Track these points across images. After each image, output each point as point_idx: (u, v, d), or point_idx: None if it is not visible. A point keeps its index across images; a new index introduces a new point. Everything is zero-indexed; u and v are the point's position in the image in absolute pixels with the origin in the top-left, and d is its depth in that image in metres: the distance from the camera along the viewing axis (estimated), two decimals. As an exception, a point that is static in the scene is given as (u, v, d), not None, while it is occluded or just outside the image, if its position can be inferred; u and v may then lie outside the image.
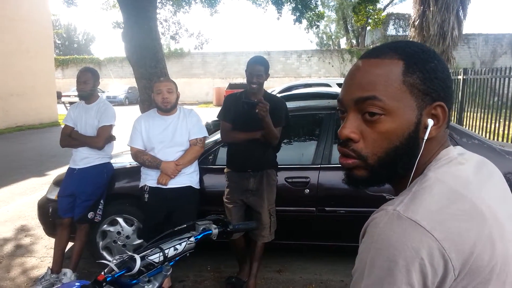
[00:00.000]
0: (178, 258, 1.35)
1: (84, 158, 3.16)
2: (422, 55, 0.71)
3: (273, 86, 15.64)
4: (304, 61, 28.19)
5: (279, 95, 4.93)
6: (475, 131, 7.74)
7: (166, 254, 1.29)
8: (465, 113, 8.48)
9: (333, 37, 34.51)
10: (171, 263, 1.33)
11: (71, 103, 16.29)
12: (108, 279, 1.18)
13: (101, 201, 3.18)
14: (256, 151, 2.88)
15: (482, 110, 7.79)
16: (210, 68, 29.45)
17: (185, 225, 1.43)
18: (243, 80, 20.19)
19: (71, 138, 3.20)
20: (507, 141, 7.05)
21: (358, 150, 0.71)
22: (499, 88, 7.19)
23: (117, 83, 28.89)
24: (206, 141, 3.24)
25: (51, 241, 3.65)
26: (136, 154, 2.98)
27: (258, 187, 2.91)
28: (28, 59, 14.37)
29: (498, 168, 0.78)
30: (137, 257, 1.22)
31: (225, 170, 3.08)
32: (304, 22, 8.86)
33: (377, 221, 0.64)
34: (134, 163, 3.19)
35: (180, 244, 1.34)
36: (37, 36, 14.89)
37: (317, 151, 3.29)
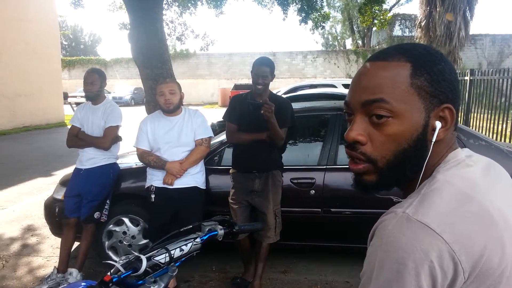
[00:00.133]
0: (184, 258, 1.35)
1: (91, 158, 3.18)
2: (429, 57, 0.71)
3: (279, 87, 15.63)
4: (309, 62, 28.15)
5: (284, 96, 4.92)
6: (482, 132, 7.68)
7: (172, 255, 1.30)
8: (472, 114, 8.42)
9: (338, 37, 34.39)
10: (177, 264, 1.33)
11: (77, 103, 16.41)
12: (114, 280, 1.18)
13: (107, 201, 3.20)
14: (262, 152, 2.88)
15: (489, 111, 7.73)
16: (215, 69, 29.52)
17: (191, 226, 1.44)
18: (248, 81, 20.25)
19: (78, 139, 3.22)
20: (514, 142, 7.00)
21: (367, 153, 0.71)
22: (506, 89, 7.14)
23: (123, 84, 29.07)
24: (212, 142, 3.25)
25: (57, 240, 3.67)
26: (142, 155, 3.00)
27: (263, 188, 2.91)
28: (35, 60, 14.47)
29: (506, 170, 0.77)
30: (143, 257, 1.22)
31: (230, 171, 3.08)
32: (310, 23, 8.87)
33: (386, 224, 0.63)
34: (140, 164, 3.20)
35: (186, 245, 1.34)
36: (44, 37, 15.00)
37: (322, 152, 3.28)
